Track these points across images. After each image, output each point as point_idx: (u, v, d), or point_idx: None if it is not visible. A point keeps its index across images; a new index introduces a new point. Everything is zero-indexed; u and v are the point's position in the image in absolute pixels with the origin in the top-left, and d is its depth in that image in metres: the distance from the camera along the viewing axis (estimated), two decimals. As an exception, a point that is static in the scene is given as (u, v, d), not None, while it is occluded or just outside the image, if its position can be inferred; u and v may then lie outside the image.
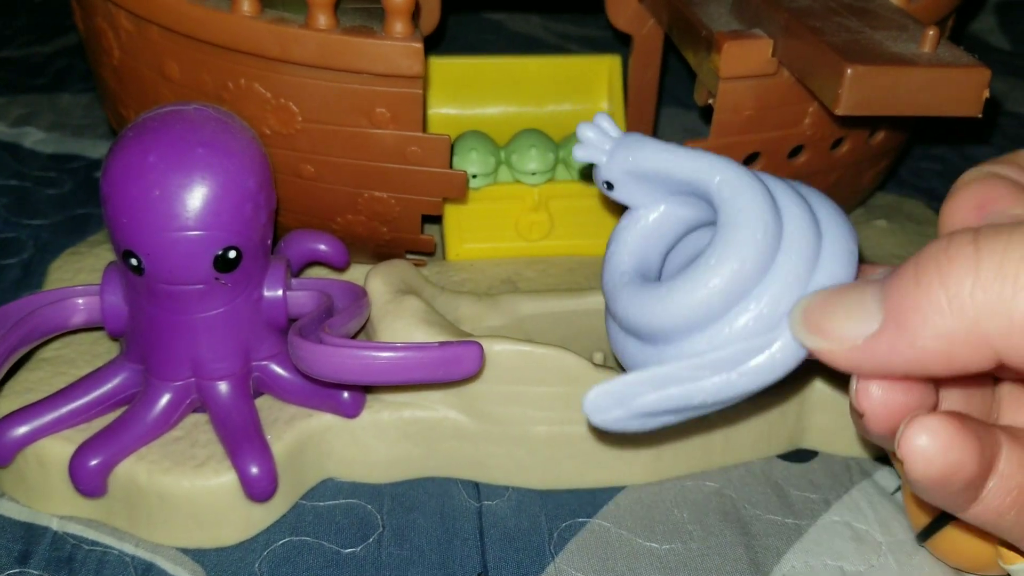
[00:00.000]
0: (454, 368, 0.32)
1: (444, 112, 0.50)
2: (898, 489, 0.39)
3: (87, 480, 0.34)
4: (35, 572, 0.34)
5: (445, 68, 0.49)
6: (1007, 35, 0.83)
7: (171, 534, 0.35)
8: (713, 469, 0.40)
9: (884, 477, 0.39)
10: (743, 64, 0.37)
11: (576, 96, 0.50)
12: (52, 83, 0.69)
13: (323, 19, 0.36)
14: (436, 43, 0.48)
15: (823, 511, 0.38)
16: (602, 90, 0.50)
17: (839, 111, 0.33)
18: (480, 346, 0.33)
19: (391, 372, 0.32)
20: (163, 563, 0.35)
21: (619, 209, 0.45)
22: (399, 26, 0.35)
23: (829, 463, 0.40)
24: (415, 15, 0.37)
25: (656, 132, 0.51)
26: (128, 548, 0.35)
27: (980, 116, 0.33)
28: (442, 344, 0.32)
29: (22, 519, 0.36)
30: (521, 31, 0.79)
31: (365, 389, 0.37)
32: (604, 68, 0.50)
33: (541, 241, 0.46)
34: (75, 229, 0.52)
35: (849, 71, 0.32)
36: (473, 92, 0.50)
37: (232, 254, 0.34)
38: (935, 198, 0.59)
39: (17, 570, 0.34)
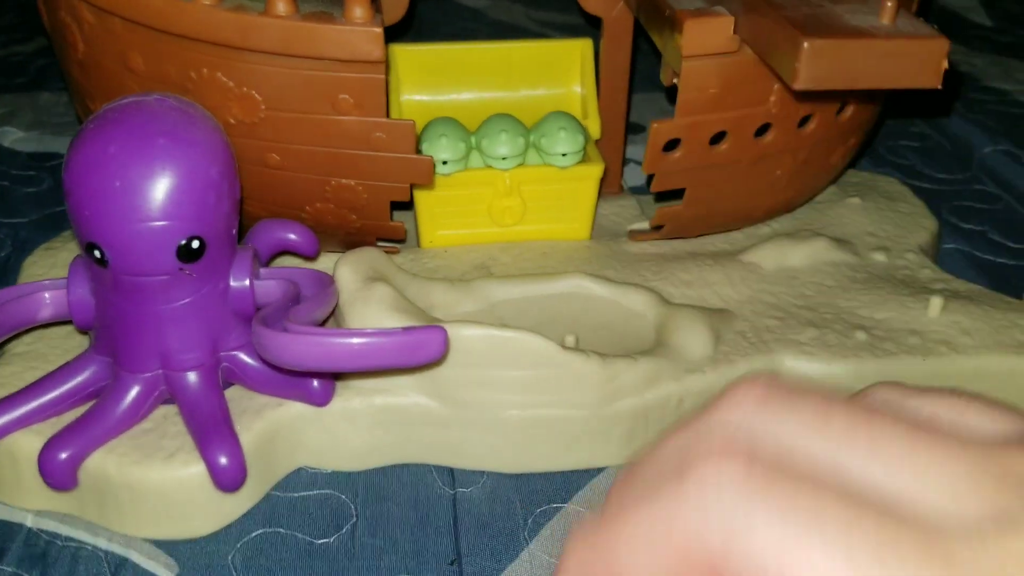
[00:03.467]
0: (419, 353, 0.32)
1: (416, 99, 0.50)
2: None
3: (57, 474, 0.34)
4: (9, 569, 0.34)
5: (417, 55, 0.49)
6: (988, 11, 0.83)
7: (142, 525, 0.35)
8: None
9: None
10: (705, 42, 0.37)
11: (549, 80, 0.50)
12: (32, 82, 0.69)
13: (282, 6, 0.36)
14: (404, 30, 0.48)
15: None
16: (574, 73, 0.50)
17: (797, 86, 0.33)
18: (444, 331, 0.33)
19: (354, 358, 0.32)
20: (137, 557, 0.35)
21: (592, 192, 0.45)
22: (359, 11, 0.35)
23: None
24: (376, 0, 0.37)
25: (629, 115, 0.51)
26: (102, 543, 0.35)
27: (940, 87, 0.33)
28: (406, 329, 0.32)
29: (-4, 516, 0.36)
30: (503, 19, 0.79)
31: (335, 377, 0.37)
32: (576, 52, 0.50)
33: (515, 226, 0.46)
34: (53, 227, 0.52)
35: (806, 45, 0.32)
36: (445, 78, 0.50)
37: (196, 244, 0.34)
38: (912, 175, 0.59)
39: (-9, 567, 0.34)
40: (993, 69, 0.73)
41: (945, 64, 0.33)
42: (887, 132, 0.64)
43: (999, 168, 0.60)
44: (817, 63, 0.32)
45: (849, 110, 0.43)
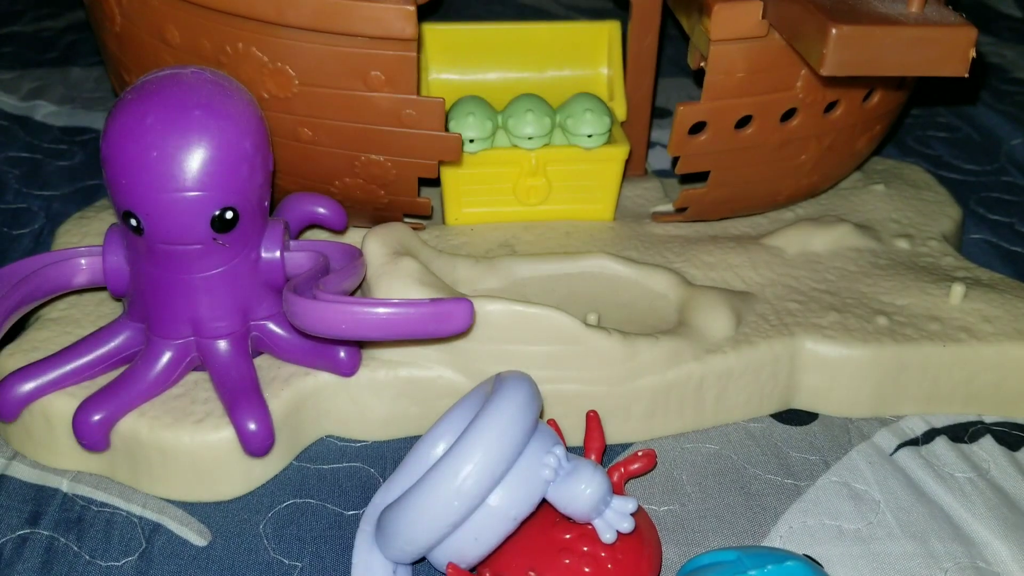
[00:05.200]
0: (444, 324, 0.33)
1: (445, 78, 0.50)
2: (897, 449, 0.39)
3: (90, 434, 0.35)
4: (45, 533, 0.35)
5: (447, 35, 0.50)
6: (1018, 2, 0.83)
7: (172, 488, 0.36)
8: (708, 428, 0.40)
9: (883, 438, 0.40)
10: (733, 26, 0.38)
11: (576, 62, 0.50)
12: (63, 57, 0.70)
13: (318, -17, 0.36)
14: (433, 10, 0.48)
15: (822, 472, 0.38)
16: (602, 56, 0.50)
17: (824, 72, 0.33)
18: (470, 303, 0.33)
19: (381, 326, 0.32)
20: (170, 523, 0.36)
21: (616, 173, 0.45)
22: (392, -11, 0.36)
23: (829, 425, 0.40)
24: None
25: (656, 99, 0.51)
26: (136, 509, 0.36)
27: (966, 75, 0.33)
28: (433, 300, 0.33)
29: (32, 481, 0.37)
30: (530, 3, 0.79)
31: (360, 347, 0.38)
32: (604, 34, 0.50)
33: (539, 206, 0.47)
34: (85, 200, 0.53)
35: (834, 31, 0.32)
36: (474, 58, 0.50)
37: (229, 215, 0.34)
38: (940, 165, 0.59)
39: (28, 531, 0.35)
40: (1023, 60, 0.73)
41: (972, 53, 0.33)
42: (915, 123, 0.64)
43: (1026, 160, 0.60)
44: (844, 49, 0.33)
45: (876, 97, 0.43)
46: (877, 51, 0.33)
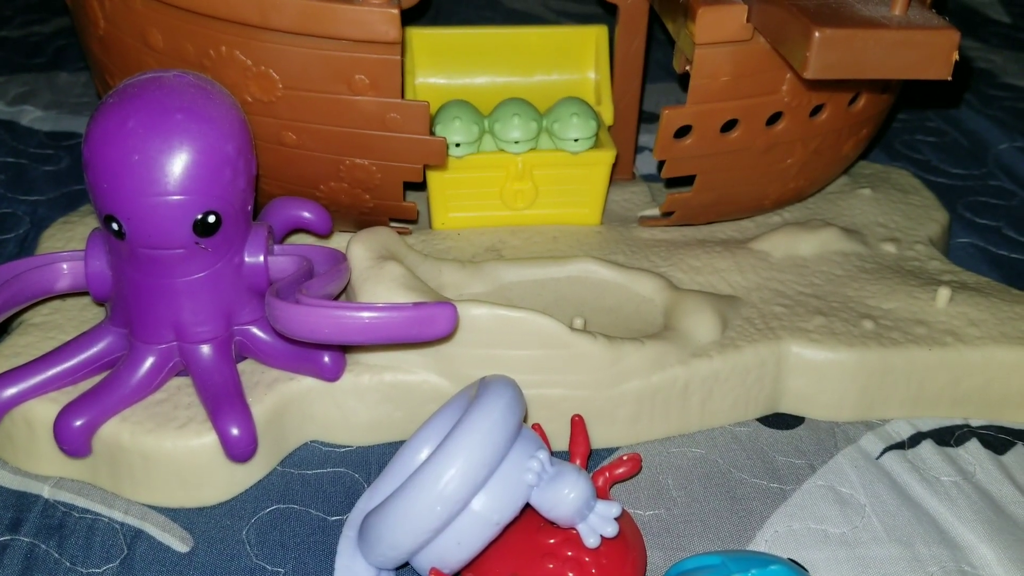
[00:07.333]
0: (428, 328, 0.33)
1: (432, 82, 0.50)
2: (883, 453, 0.39)
3: (71, 440, 0.35)
4: (26, 539, 0.35)
5: (434, 39, 0.50)
6: (1006, 8, 0.83)
7: (154, 494, 0.36)
8: (694, 432, 0.40)
9: (869, 442, 0.40)
10: (718, 30, 0.38)
11: (563, 66, 0.50)
12: (50, 62, 0.70)
13: (301, -13, 0.36)
14: (420, 14, 0.48)
15: (808, 476, 0.38)
16: (589, 60, 0.50)
17: (807, 75, 0.33)
18: (453, 307, 0.33)
19: (364, 331, 0.32)
20: (152, 530, 0.35)
21: (603, 177, 0.45)
22: (376, -7, 0.36)
23: (815, 429, 0.40)
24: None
25: (644, 104, 0.51)
26: (117, 515, 0.36)
27: (950, 78, 0.33)
28: (416, 304, 0.33)
29: (13, 487, 0.37)
30: (519, 8, 0.79)
31: (344, 351, 0.38)
32: (591, 38, 0.50)
33: (526, 210, 0.47)
34: (71, 205, 0.53)
35: (817, 34, 0.32)
36: (462, 63, 0.50)
37: (211, 219, 0.34)
38: (928, 170, 0.59)
39: (8, 537, 0.35)
40: (1010, 66, 0.73)
41: (956, 56, 0.33)
42: (904, 127, 0.64)
43: (1014, 164, 0.60)
44: (827, 52, 0.33)
45: (862, 101, 0.43)
46: (860, 54, 0.33)
